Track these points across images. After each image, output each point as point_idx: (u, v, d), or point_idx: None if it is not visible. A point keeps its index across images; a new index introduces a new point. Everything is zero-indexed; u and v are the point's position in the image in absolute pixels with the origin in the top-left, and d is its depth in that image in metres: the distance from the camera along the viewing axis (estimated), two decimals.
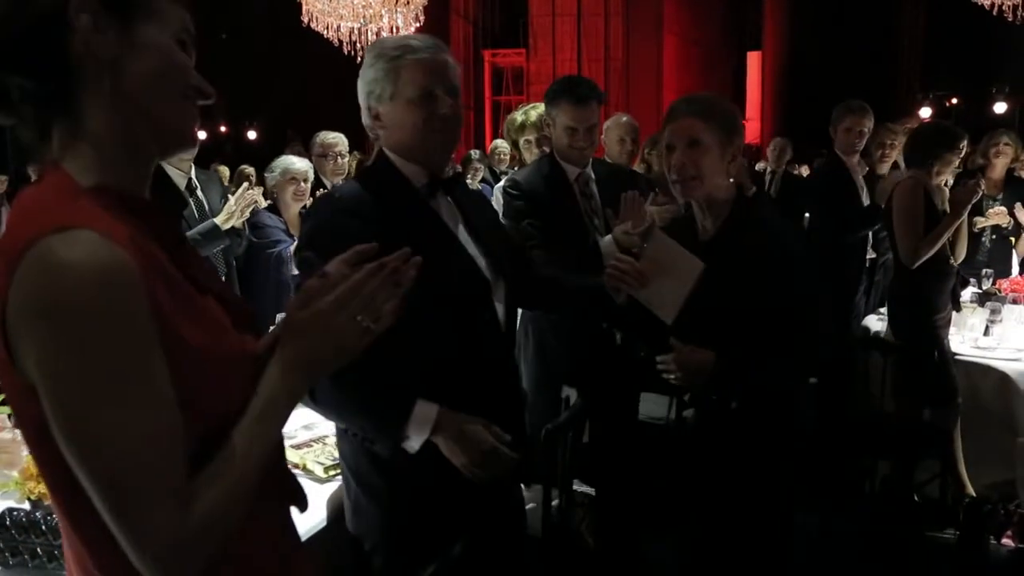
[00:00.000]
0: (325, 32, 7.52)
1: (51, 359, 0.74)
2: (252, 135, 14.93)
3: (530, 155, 3.04)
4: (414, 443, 1.42)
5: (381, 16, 7.54)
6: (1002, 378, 3.07)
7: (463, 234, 1.56)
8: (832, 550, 2.96)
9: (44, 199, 0.81)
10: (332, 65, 10.60)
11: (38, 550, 1.45)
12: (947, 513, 3.10)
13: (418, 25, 7.60)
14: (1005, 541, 2.97)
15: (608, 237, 2.27)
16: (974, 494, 3.21)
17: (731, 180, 1.87)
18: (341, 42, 7.61)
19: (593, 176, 2.56)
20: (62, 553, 1.41)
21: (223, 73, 13.39)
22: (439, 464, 1.44)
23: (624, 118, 3.78)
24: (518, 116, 3.15)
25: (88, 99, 0.83)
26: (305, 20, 7.55)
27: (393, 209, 1.49)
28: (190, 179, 3.04)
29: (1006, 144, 4.22)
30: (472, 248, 1.55)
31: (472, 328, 1.50)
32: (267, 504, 0.93)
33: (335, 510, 1.60)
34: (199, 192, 3.05)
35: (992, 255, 4.19)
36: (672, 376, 1.77)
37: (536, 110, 3.01)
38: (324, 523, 1.60)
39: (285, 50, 13.33)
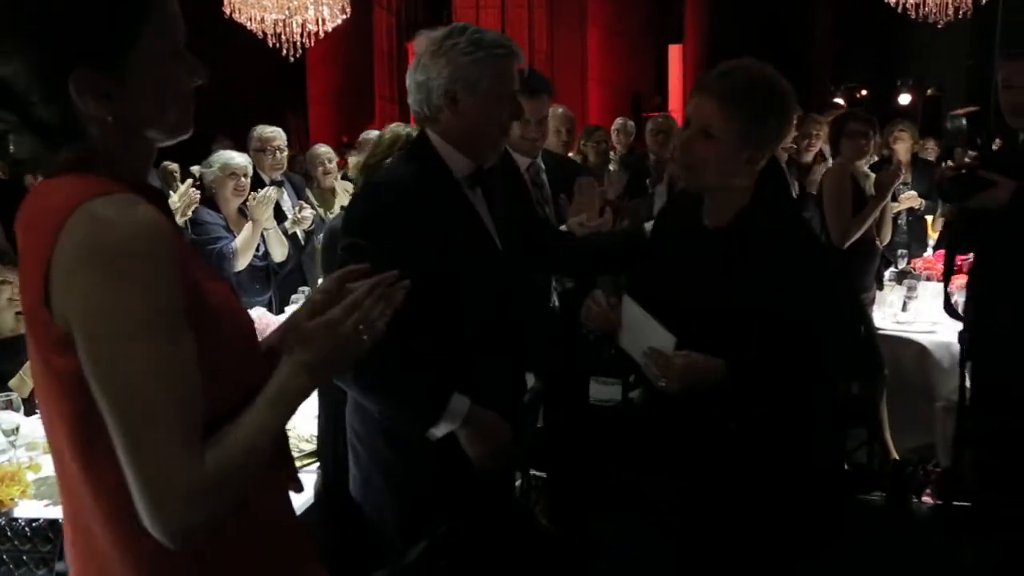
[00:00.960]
0: (249, 24, 7.32)
1: (91, 301, 0.80)
2: None
3: None
4: (440, 431, 1.48)
5: (307, 8, 7.39)
6: (920, 350, 3.30)
7: (489, 224, 1.60)
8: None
9: (73, 181, 0.85)
10: (254, 59, 10.33)
11: (4, 556, 1.42)
12: (874, 477, 3.31)
13: (345, 17, 7.49)
14: (925, 499, 3.19)
15: (563, 227, 2.34)
16: (898, 458, 3.44)
17: (749, 180, 1.56)
18: (265, 34, 7.42)
19: (543, 166, 2.62)
20: (30, 558, 1.40)
21: None
22: (448, 447, 1.49)
23: (560, 109, 3.84)
24: None
25: (94, 128, 0.88)
26: (227, 12, 7.34)
27: (437, 199, 1.51)
28: None
29: (901, 130, 4.65)
30: (496, 239, 1.60)
31: (496, 323, 1.56)
32: (272, 480, 0.98)
33: (318, 492, 1.64)
34: None
35: (910, 236, 4.50)
36: (662, 381, 1.48)
37: None
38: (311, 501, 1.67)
39: (205, 43, 12.90)
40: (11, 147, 0.87)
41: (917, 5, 7.05)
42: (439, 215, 1.49)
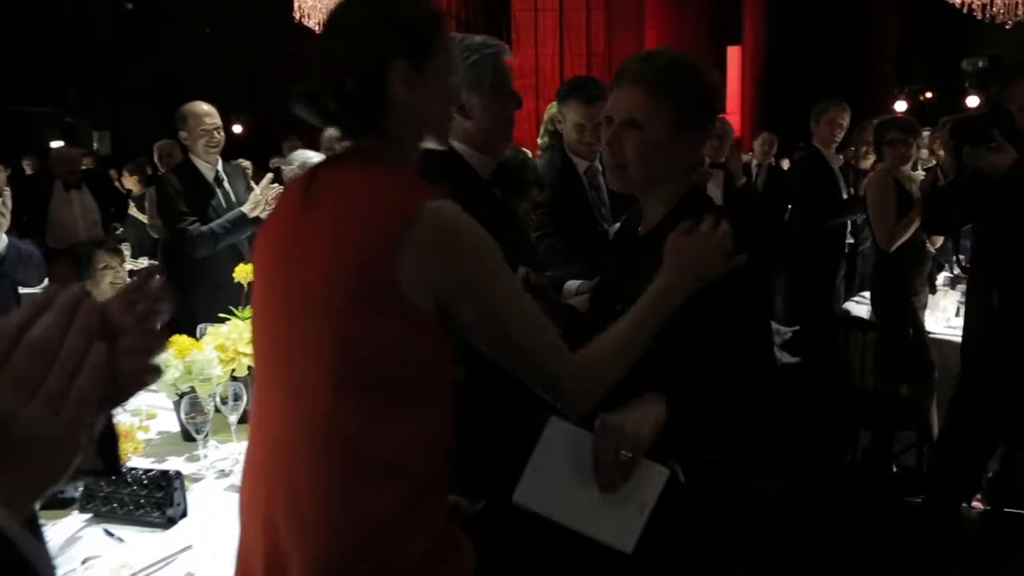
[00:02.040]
0: (317, 28, 7.62)
1: (472, 273, 1.09)
2: (238, 129, 14.94)
3: None
4: None
5: None
6: None
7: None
8: (815, 515, 3.19)
9: (398, 182, 1.12)
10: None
11: (126, 498, 1.63)
12: (922, 479, 3.34)
13: None
14: (975, 504, 3.21)
15: (617, 225, 2.46)
16: None
17: (682, 177, 1.43)
18: None
19: (600, 169, 2.75)
20: (147, 502, 1.61)
21: (208, 68, 13.41)
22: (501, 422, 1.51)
23: None
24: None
25: (396, 118, 1.14)
26: (297, 16, 7.65)
27: (492, 207, 1.62)
28: (217, 172, 3.20)
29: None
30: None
31: None
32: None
33: None
34: (225, 184, 3.21)
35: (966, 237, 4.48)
36: (616, 453, 1.22)
37: None
38: None
39: (268, 45, 13.37)
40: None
41: (984, 5, 6.94)
42: (499, 222, 1.58)
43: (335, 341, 1.07)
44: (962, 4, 7.02)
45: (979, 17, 7.01)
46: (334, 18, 1.16)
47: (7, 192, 2.33)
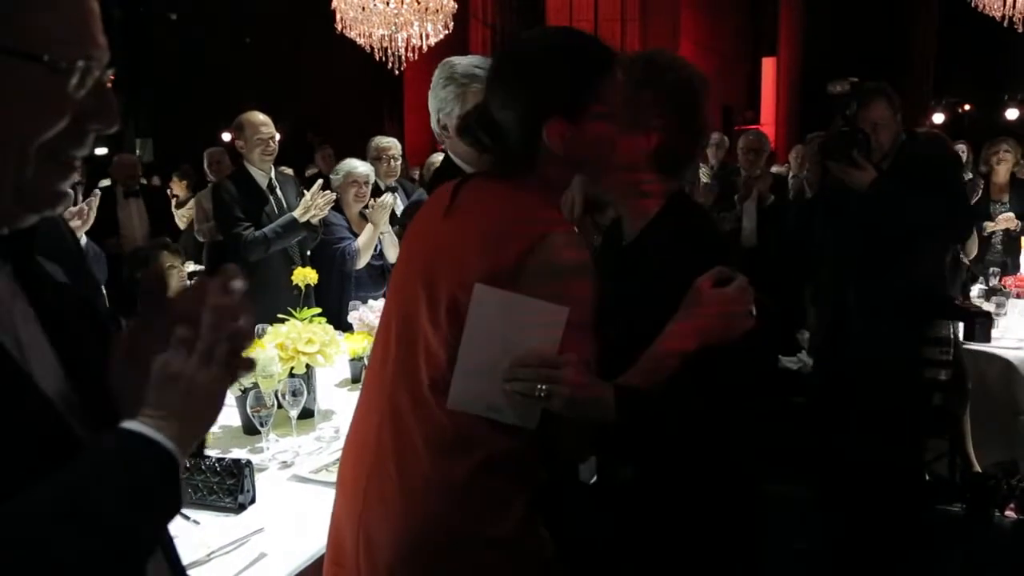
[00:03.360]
0: (358, 39, 7.77)
1: (561, 301, 1.12)
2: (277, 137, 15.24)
3: None
4: None
5: (411, 23, 7.77)
6: (1006, 365, 3.33)
7: None
8: (845, 523, 3.22)
9: (535, 206, 1.19)
10: (355, 69, 10.88)
11: (200, 484, 1.75)
12: (955, 489, 3.36)
13: (446, 32, 7.85)
14: (1008, 513, 3.22)
15: None
16: (980, 471, 3.48)
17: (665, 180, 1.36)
18: (373, 48, 7.84)
19: None
20: (219, 488, 1.72)
21: (248, 76, 13.71)
22: None
23: None
24: None
25: (545, 162, 1.19)
26: (339, 28, 7.82)
27: None
28: (270, 179, 3.35)
29: (1006, 151, 4.53)
30: None
31: None
32: None
33: None
34: (278, 191, 3.36)
35: (1004, 253, 4.47)
36: (542, 391, 1.12)
37: None
38: None
39: (308, 55, 13.65)
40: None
41: None
42: None
43: (454, 320, 1.17)
44: (1003, 17, 6.96)
45: (1020, 30, 6.95)
46: (507, 63, 1.23)
47: (96, 194, 2.50)
